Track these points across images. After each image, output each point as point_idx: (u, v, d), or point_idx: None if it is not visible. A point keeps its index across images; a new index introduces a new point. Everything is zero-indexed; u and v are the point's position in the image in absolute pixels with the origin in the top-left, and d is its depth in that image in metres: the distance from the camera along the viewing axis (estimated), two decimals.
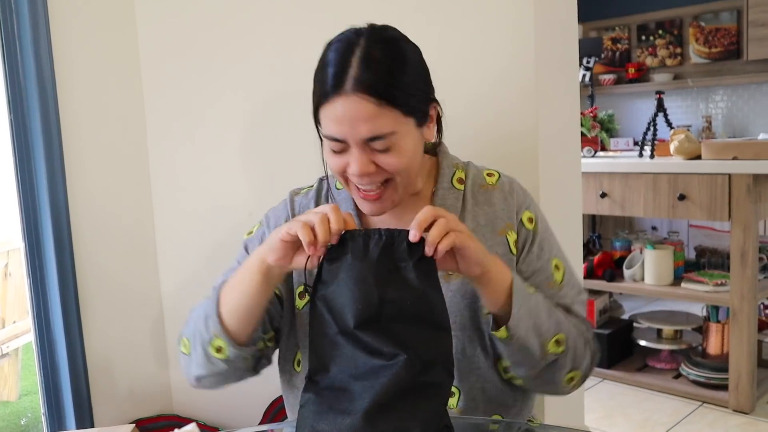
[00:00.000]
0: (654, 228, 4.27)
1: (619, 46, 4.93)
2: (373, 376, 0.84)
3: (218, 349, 1.04)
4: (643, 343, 3.19)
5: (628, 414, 2.80)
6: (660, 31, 4.75)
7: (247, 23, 1.64)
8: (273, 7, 1.62)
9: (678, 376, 3.03)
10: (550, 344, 1.03)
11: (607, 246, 3.76)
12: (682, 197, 2.73)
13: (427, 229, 0.90)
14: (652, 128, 3.02)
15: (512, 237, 1.11)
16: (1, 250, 3.01)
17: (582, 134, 3.09)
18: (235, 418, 1.74)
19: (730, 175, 2.61)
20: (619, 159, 3.10)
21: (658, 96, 3.04)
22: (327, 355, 0.88)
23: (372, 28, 1.03)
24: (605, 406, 2.89)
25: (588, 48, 3.79)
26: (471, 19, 1.51)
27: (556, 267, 1.13)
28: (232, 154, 1.69)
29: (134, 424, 1.48)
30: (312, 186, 1.22)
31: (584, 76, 3.79)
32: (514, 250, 1.11)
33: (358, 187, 1.05)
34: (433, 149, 1.19)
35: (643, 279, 3.01)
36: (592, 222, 4.20)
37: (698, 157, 2.77)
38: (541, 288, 1.10)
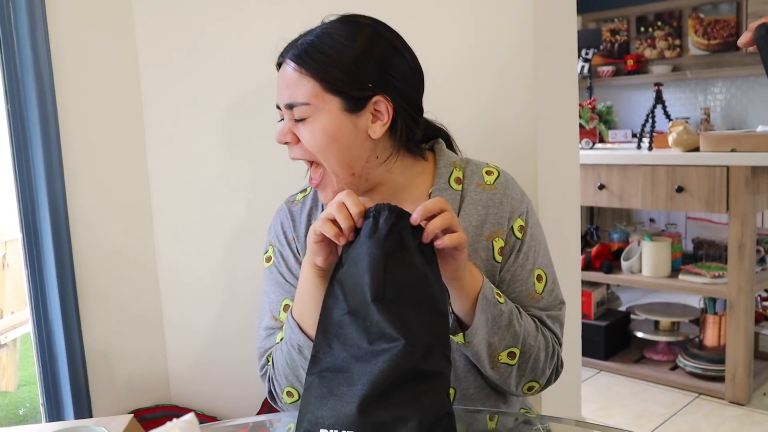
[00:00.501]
0: (652, 220, 4.27)
1: (617, 37, 4.92)
2: (373, 360, 0.84)
3: None
4: (640, 334, 3.20)
5: (625, 405, 2.81)
6: (659, 23, 4.74)
7: (245, 19, 1.63)
8: (274, 2, 1.61)
9: (675, 367, 3.04)
10: (502, 355, 1.04)
11: (604, 238, 3.76)
12: (680, 189, 2.73)
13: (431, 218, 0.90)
14: (650, 120, 3.02)
15: (499, 244, 1.10)
16: None
17: (580, 126, 3.10)
18: (233, 408, 1.74)
19: (728, 167, 2.61)
20: (618, 151, 3.10)
21: (656, 88, 3.04)
22: (332, 333, 0.89)
23: (351, 14, 1.07)
24: (602, 397, 2.90)
25: (587, 39, 3.78)
26: (470, 8, 1.50)
27: (538, 277, 1.11)
28: (231, 144, 1.69)
29: (132, 415, 1.49)
30: (306, 192, 1.21)
31: (583, 67, 3.79)
32: (498, 258, 1.10)
33: (311, 176, 1.10)
34: (430, 148, 1.17)
35: (640, 271, 3.02)
36: (590, 214, 4.20)
37: (696, 149, 2.77)
38: (520, 297, 1.10)
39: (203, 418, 1.71)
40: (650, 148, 2.98)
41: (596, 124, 3.33)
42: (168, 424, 0.52)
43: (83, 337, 1.63)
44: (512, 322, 1.03)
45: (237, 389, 1.74)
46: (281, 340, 1.08)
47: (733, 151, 2.62)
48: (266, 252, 1.20)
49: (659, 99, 3.04)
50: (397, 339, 0.84)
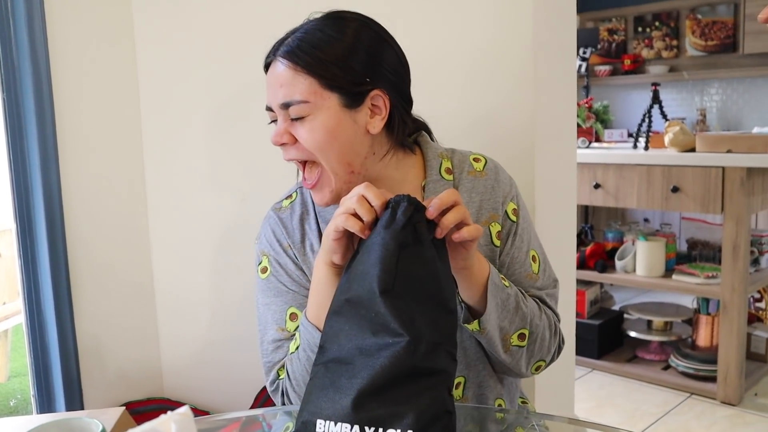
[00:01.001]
0: (646, 220, 4.28)
1: (615, 37, 4.93)
2: (376, 354, 0.84)
3: None
4: (633, 334, 3.20)
5: (617, 404, 2.82)
6: (657, 23, 4.75)
7: (243, 12, 1.62)
8: None
9: (667, 367, 3.05)
10: (513, 338, 1.05)
11: (599, 237, 3.77)
12: (675, 189, 2.73)
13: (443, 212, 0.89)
14: (647, 120, 3.02)
15: (496, 228, 1.11)
16: None
17: (577, 125, 3.09)
18: (226, 402, 1.74)
19: (723, 168, 2.61)
20: (614, 150, 3.10)
21: (653, 88, 3.05)
22: (340, 321, 0.88)
23: (337, 10, 1.05)
24: (595, 396, 2.90)
25: (584, 38, 3.78)
26: (470, 6, 1.50)
27: (533, 258, 1.13)
28: (226, 137, 1.68)
29: (124, 407, 1.48)
30: (292, 197, 1.18)
31: (580, 66, 3.79)
32: (496, 242, 1.11)
33: (304, 177, 1.07)
34: (414, 141, 1.16)
35: (634, 270, 3.02)
36: (585, 213, 4.21)
37: (692, 150, 2.78)
38: (519, 279, 1.11)
39: (195, 411, 1.71)
40: (646, 148, 2.98)
41: (593, 123, 3.33)
42: (162, 416, 0.52)
43: (76, 329, 1.62)
44: (519, 305, 1.04)
45: (230, 383, 1.74)
46: (297, 348, 1.05)
47: (728, 152, 2.63)
48: (260, 263, 1.16)
49: (656, 99, 3.04)
50: (402, 335, 0.83)
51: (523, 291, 1.09)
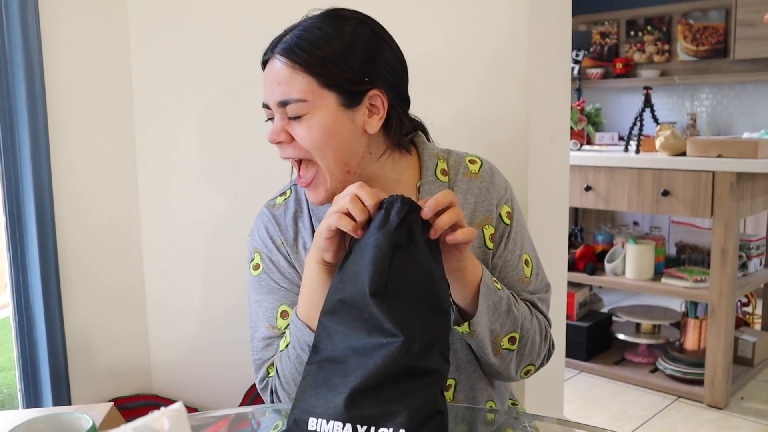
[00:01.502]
0: (636, 223, 4.30)
1: (607, 40, 4.95)
2: (370, 353, 0.84)
3: None
4: (621, 336, 3.22)
5: (604, 406, 2.83)
6: (649, 27, 4.77)
7: (236, 9, 1.61)
8: None
9: (655, 370, 3.06)
10: (504, 341, 1.04)
11: (589, 239, 3.78)
12: (665, 193, 2.75)
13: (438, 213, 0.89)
14: (638, 123, 3.04)
15: (489, 231, 1.11)
16: None
17: None
18: (215, 399, 1.73)
19: (713, 173, 2.63)
20: (605, 153, 3.11)
21: (645, 91, 3.06)
22: (333, 322, 0.88)
23: (335, 8, 1.04)
24: (582, 398, 2.91)
25: (577, 41, 3.79)
26: (466, 6, 1.50)
27: (526, 262, 1.13)
28: (219, 134, 1.67)
29: (112, 403, 1.47)
30: (287, 194, 1.17)
31: (572, 69, 3.80)
32: (489, 245, 1.11)
33: (297, 169, 1.06)
34: (410, 141, 1.15)
35: (624, 273, 3.03)
36: (575, 215, 4.22)
37: (683, 154, 2.79)
38: (511, 282, 1.11)
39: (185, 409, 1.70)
40: (637, 151, 2.99)
41: (584, 126, 3.34)
42: (156, 412, 0.51)
43: (64, 323, 1.61)
44: (510, 308, 1.04)
45: (219, 380, 1.73)
46: (286, 346, 1.05)
47: (719, 156, 2.64)
48: (252, 260, 1.15)
49: (648, 102, 3.05)
50: (396, 335, 0.83)
51: (515, 294, 1.08)
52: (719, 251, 2.67)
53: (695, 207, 2.69)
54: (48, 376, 1.59)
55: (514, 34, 1.48)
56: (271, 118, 1.04)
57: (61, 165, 1.58)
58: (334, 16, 1.03)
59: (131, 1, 1.65)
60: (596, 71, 4.88)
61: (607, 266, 3.08)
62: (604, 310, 3.53)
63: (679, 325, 3.08)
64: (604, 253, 3.18)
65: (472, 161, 1.15)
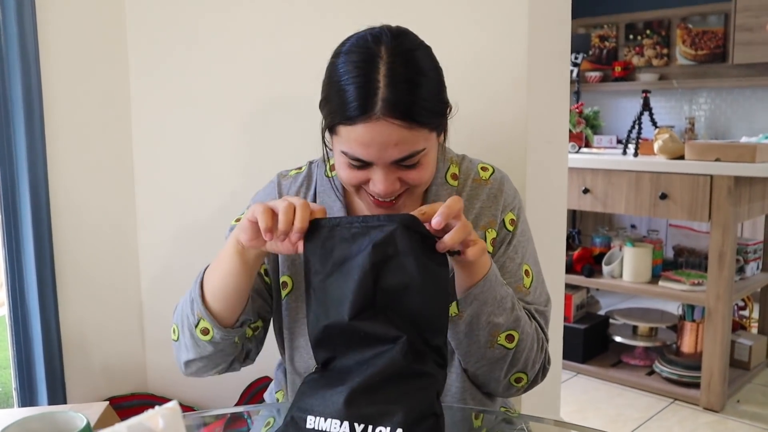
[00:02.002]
0: (633, 226, 4.30)
1: (606, 44, 4.95)
2: (372, 359, 0.85)
3: (204, 332, 1.03)
4: (618, 339, 3.22)
5: (600, 409, 2.83)
6: (648, 31, 4.78)
7: (235, 3, 1.61)
8: None
9: (651, 372, 3.06)
10: (501, 337, 1.02)
11: (586, 242, 3.78)
12: (663, 196, 2.75)
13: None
14: (637, 126, 3.04)
15: (491, 235, 1.11)
16: None
17: None
18: (211, 398, 1.73)
19: (711, 177, 2.63)
20: (603, 156, 3.11)
21: (644, 95, 3.06)
22: (328, 349, 0.89)
23: (390, 34, 0.97)
24: (578, 400, 2.91)
25: (576, 44, 3.79)
26: (465, 9, 1.50)
27: (526, 272, 1.12)
28: (216, 133, 1.67)
29: (108, 402, 1.47)
30: (301, 169, 1.19)
31: (571, 72, 3.80)
32: (490, 248, 1.11)
33: (371, 195, 1.02)
34: None
35: (621, 276, 3.03)
36: (573, 217, 4.22)
37: (681, 157, 2.79)
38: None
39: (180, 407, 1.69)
40: (636, 154, 2.99)
41: (583, 129, 3.34)
42: (150, 411, 0.51)
43: (60, 322, 1.61)
44: (514, 306, 1.03)
45: (215, 379, 1.72)
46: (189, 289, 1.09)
47: (717, 160, 2.65)
48: (241, 214, 1.17)
49: (647, 106, 3.05)
50: (398, 337, 0.85)
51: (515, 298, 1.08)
52: (716, 255, 2.67)
53: (693, 210, 2.69)
54: (43, 375, 1.58)
55: (514, 36, 1.47)
56: (358, 166, 0.98)
57: (57, 163, 1.58)
58: (411, 52, 0.97)
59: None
60: (595, 74, 4.89)
61: (605, 269, 3.08)
62: (602, 312, 3.53)
63: (676, 328, 3.08)
64: (601, 255, 3.19)
65: (484, 168, 1.16)
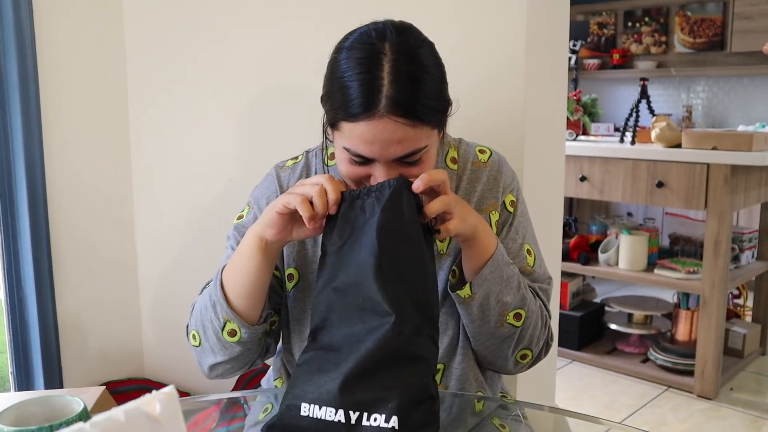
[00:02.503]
0: (630, 214, 4.31)
1: (605, 31, 4.93)
2: (363, 338, 0.85)
3: (231, 333, 1.04)
4: (613, 326, 3.23)
5: (595, 396, 2.85)
6: (646, 19, 4.76)
7: None
8: None
9: (646, 360, 3.08)
10: (510, 315, 1.04)
11: (583, 230, 3.79)
12: (660, 184, 2.75)
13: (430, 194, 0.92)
14: (634, 114, 3.03)
15: (495, 217, 1.13)
16: None
17: None
18: (207, 384, 1.73)
19: (708, 165, 2.63)
20: (600, 143, 3.11)
21: (642, 83, 3.05)
22: (327, 311, 0.89)
23: (394, 30, 0.96)
24: (573, 387, 2.93)
25: (574, 31, 3.77)
26: None
27: (528, 252, 1.14)
28: (213, 118, 1.66)
29: (105, 387, 1.47)
30: (297, 159, 1.19)
31: (569, 59, 3.79)
32: (494, 229, 1.12)
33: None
34: None
35: (617, 264, 3.04)
36: (569, 205, 4.22)
37: (678, 146, 2.79)
38: None
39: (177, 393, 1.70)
40: (633, 142, 2.99)
41: (580, 116, 3.34)
42: (147, 395, 0.51)
43: (56, 307, 1.60)
44: (521, 285, 1.06)
45: None
46: (206, 289, 1.10)
47: (714, 149, 2.65)
48: (242, 210, 1.18)
49: (644, 94, 3.05)
50: (389, 314, 0.84)
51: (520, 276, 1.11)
52: (712, 243, 2.68)
53: (689, 199, 2.70)
54: (40, 359, 1.59)
55: (511, 22, 1.47)
56: (359, 163, 0.97)
57: (53, 147, 1.57)
58: (415, 49, 0.96)
59: None
60: (593, 62, 4.87)
61: (601, 256, 3.09)
62: (597, 300, 3.54)
63: (671, 316, 3.10)
64: (597, 243, 3.19)
65: (481, 151, 1.17)
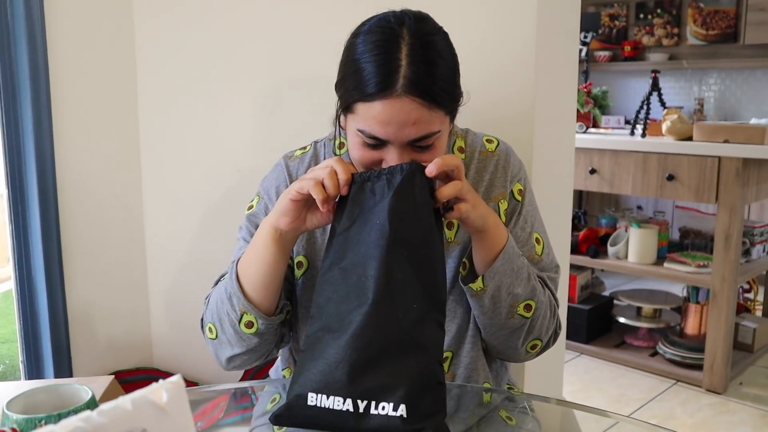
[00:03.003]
0: (640, 207, 4.28)
1: (616, 23, 4.90)
2: (349, 316, 0.86)
3: (249, 325, 1.04)
4: (622, 320, 3.22)
5: (603, 389, 2.84)
6: (658, 10, 4.72)
7: None
8: None
9: (654, 354, 3.07)
10: (520, 307, 1.05)
11: (592, 222, 3.77)
12: (670, 177, 2.73)
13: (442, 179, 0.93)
14: (645, 107, 3.01)
15: (503, 206, 1.13)
16: None
17: None
18: (215, 374, 1.74)
19: (719, 158, 2.61)
20: (611, 136, 3.10)
21: (653, 75, 3.03)
22: (329, 290, 0.90)
23: (412, 17, 0.97)
24: (581, 380, 2.92)
25: (585, 23, 3.75)
26: None
27: (537, 240, 1.15)
28: (224, 108, 1.66)
29: (113, 376, 1.48)
30: (306, 149, 1.20)
31: (580, 51, 3.76)
32: (503, 218, 1.13)
33: None
34: None
35: (626, 257, 3.03)
36: (579, 198, 4.21)
37: (689, 139, 2.77)
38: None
39: (185, 383, 1.70)
40: (644, 135, 2.97)
41: (591, 109, 3.32)
42: (154, 384, 0.51)
43: (66, 296, 1.61)
44: (530, 276, 1.06)
45: None
46: (220, 282, 1.10)
47: (725, 142, 2.63)
48: (251, 201, 1.19)
49: (655, 86, 3.03)
50: (367, 299, 0.85)
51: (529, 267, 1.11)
52: (723, 237, 2.66)
53: (700, 192, 2.68)
54: (50, 348, 1.60)
55: (522, 14, 1.46)
56: (372, 145, 0.97)
57: (63, 139, 1.58)
58: (431, 35, 0.98)
59: None
60: (604, 54, 4.84)
61: (610, 250, 3.07)
62: (606, 293, 3.53)
63: (680, 310, 3.08)
64: (607, 236, 3.18)
65: (489, 140, 1.18)
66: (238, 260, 1.06)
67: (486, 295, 1.03)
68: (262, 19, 1.61)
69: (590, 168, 2.99)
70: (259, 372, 1.67)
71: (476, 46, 1.49)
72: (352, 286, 0.87)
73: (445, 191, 0.92)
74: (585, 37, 3.75)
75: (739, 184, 2.58)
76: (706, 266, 2.78)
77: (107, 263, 1.70)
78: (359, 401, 0.82)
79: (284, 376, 1.22)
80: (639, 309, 3.22)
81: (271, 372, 1.29)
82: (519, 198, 1.15)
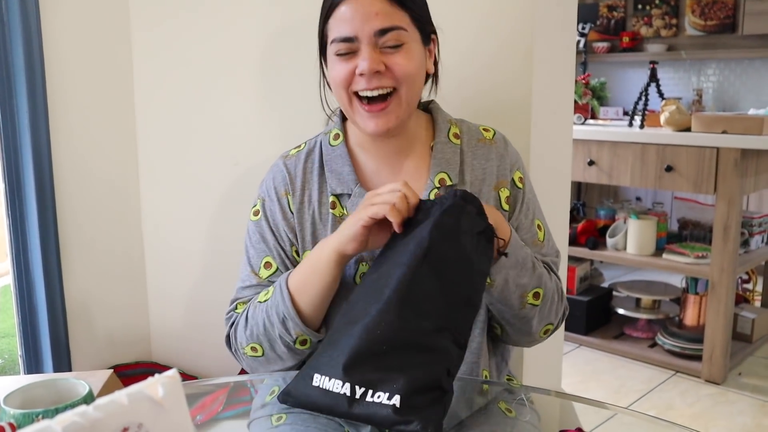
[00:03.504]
0: (638, 198, 4.28)
1: (614, 14, 4.88)
2: (364, 314, 0.88)
3: (303, 342, 1.07)
4: (621, 311, 3.22)
5: (602, 380, 2.85)
6: (657, 1, 4.70)
7: None
8: None
9: (653, 345, 3.07)
10: (529, 296, 1.07)
11: (591, 214, 3.77)
12: (669, 168, 2.73)
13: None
14: (643, 98, 3.01)
15: (504, 194, 1.15)
16: None
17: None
18: (214, 368, 1.74)
19: (718, 149, 2.61)
20: (609, 127, 3.09)
21: (651, 66, 3.02)
22: (361, 289, 0.95)
23: None
24: (581, 371, 2.93)
25: (584, 14, 3.74)
26: None
27: (538, 226, 1.18)
28: (218, 101, 1.66)
29: (112, 370, 1.48)
30: (300, 147, 1.21)
31: (578, 42, 3.75)
32: (505, 207, 1.15)
33: (362, 101, 1.06)
34: (426, 106, 1.21)
35: (625, 248, 3.03)
36: (578, 189, 4.21)
37: (688, 129, 2.77)
38: (527, 244, 1.15)
39: (184, 376, 1.71)
40: (642, 126, 2.97)
41: (589, 100, 3.31)
42: (150, 379, 0.51)
43: (64, 290, 1.61)
44: (535, 265, 1.09)
45: (219, 348, 1.72)
46: (265, 300, 1.10)
47: (724, 132, 2.62)
48: (254, 206, 1.20)
49: (654, 77, 3.02)
50: (378, 301, 0.87)
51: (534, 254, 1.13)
52: (721, 228, 2.66)
53: (698, 183, 2.68)
54: (48, 342, 1.59)
55: (519, 4, 1.45)
56: (347, 53, 1.05)
57: (60, 133, 1.57)
58: None
59: None
60: (602, 45, 4.83)
61: (609, 241, 3.08)
62: (605, 284, 3.54)
63: (679, 301, 3.09)
64: (605, 227, 3.18)
65: (485, 129, 1.20)
66: (286, 279, 1.07)
67: (495, 289, 1.05)
68: (258, 15, 1.60)
69: (589, 159, 2.98)
70: None
71: (473, 37, 1.49)
72: (378, 285, 0.90)
73: None
74: (583, 28, 3.74)
75: (737, 174, 2.58)
76: (705, 257, 2.78)
77: (105, 257, 1.69)
78: (357, 387, 0.84)
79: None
80: (638, 300, 3.22)
81: None
82: (520, 185, 1.17)
